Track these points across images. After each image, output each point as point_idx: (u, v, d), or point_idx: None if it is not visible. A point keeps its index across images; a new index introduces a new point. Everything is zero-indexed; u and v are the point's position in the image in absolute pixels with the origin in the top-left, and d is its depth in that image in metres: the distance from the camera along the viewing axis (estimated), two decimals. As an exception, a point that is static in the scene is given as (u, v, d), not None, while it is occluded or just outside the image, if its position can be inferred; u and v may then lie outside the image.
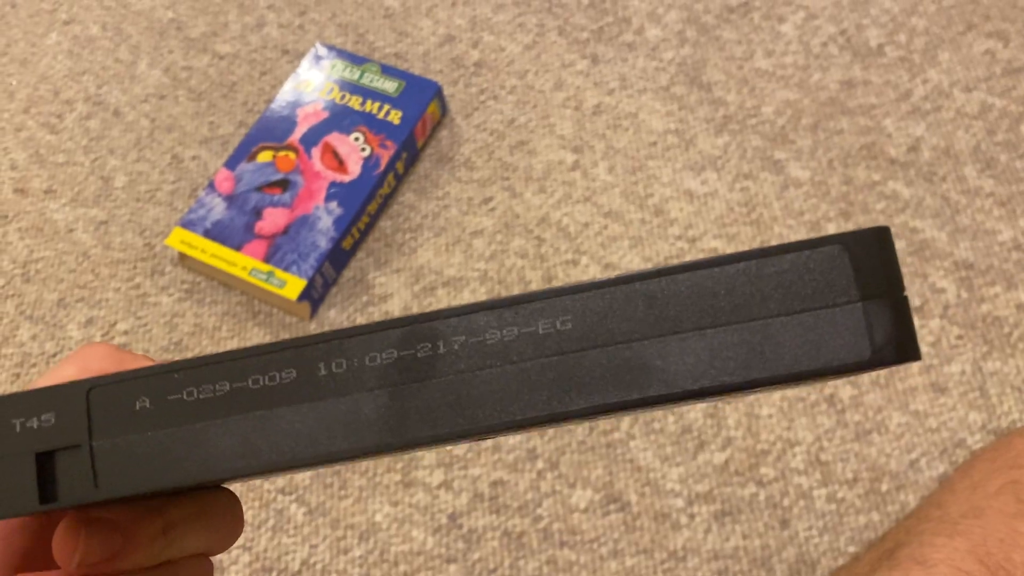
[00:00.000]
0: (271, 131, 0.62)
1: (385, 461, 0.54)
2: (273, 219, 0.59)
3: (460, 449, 0.53)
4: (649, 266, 0.59)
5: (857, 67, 0.65)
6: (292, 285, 0.57)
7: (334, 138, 0.62)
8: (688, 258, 0.58)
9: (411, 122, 0.62)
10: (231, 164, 0.61)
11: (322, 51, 0.66)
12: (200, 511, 0.24)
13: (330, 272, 0.59)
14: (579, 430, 0.54)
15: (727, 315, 0.20)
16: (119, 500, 0.21)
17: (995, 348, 0.53)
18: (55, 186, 0.65)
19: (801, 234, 0.58)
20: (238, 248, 0.58)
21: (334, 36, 0.70)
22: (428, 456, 0.54)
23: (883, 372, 0.53)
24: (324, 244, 0.58)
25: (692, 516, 0.50)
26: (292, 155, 0.61)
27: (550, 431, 0.53)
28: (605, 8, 0.69)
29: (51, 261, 0.62)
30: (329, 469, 0.53)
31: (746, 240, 0.59)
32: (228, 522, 0.25)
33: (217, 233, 0.59)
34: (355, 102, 0.63)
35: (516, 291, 0.58)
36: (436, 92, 0.63)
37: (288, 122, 0.63)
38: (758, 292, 0.20)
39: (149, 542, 0.22)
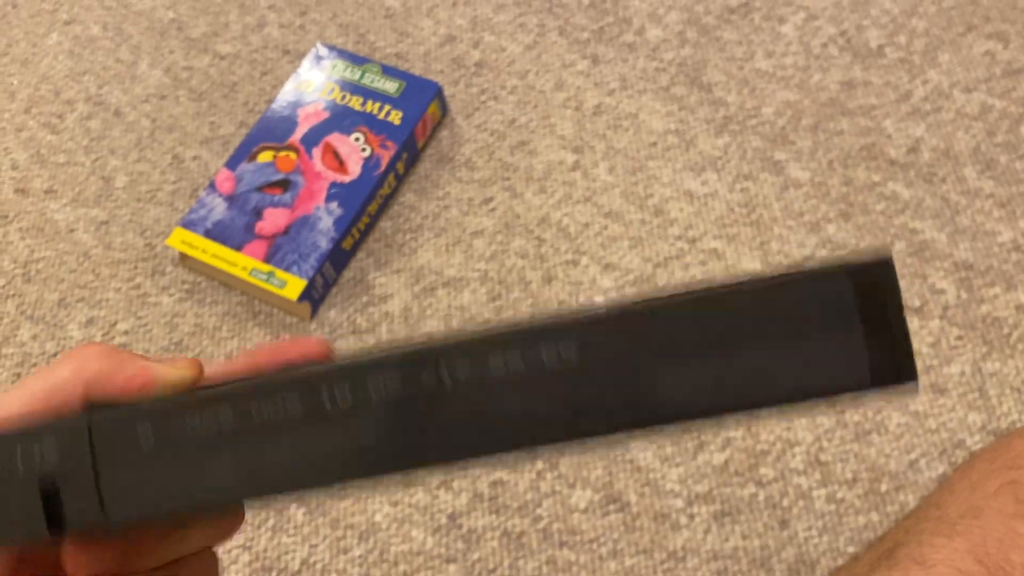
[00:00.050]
0: (272, 131, 0.63)
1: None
2: (274, 219, 0.59)
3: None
4: (649, 271, 0.59)
5: (857, 68, 0.65)
6: (292, 285, 0.57)
7: (335, 138, 0.62)
8: (688, 259, 0.58)
9: (412, 122, 0.62)
10: (232, 164, 0.61)
11: (323, 51, 0.66)
12: None
13: (330, 272, 0.59)
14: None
15: (730, 342, 0.20)
16: (126, 527, 0.21)
17: (994, 349, 0.53)
18: (56, 186, 0.65)
19: (801, 235, 0.58)
20: (238, 248, 0.58)
21: (335, 36, 0.70)
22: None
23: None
24: (324, 244, 0.58)
25: (692, 516, 0.50)
26: (293, 155, 0.61)
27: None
28: (606, 8, 0.69)
29: (52, 261, 0.62)
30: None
31: (746, 240, 0.59)
32: (230, 516, 0.25)
33: (218, 233, 0.59)
34: (356, 102, 0.63)
35: (516, 291, 0.58)
36: (436, 92, 0.63)
37: (289, 122, 0.63)
38: (762, 320, 0.20)
39: (157, 545, 0.23)
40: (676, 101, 0.64)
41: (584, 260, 0.59)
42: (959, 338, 0.54)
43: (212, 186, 0.61)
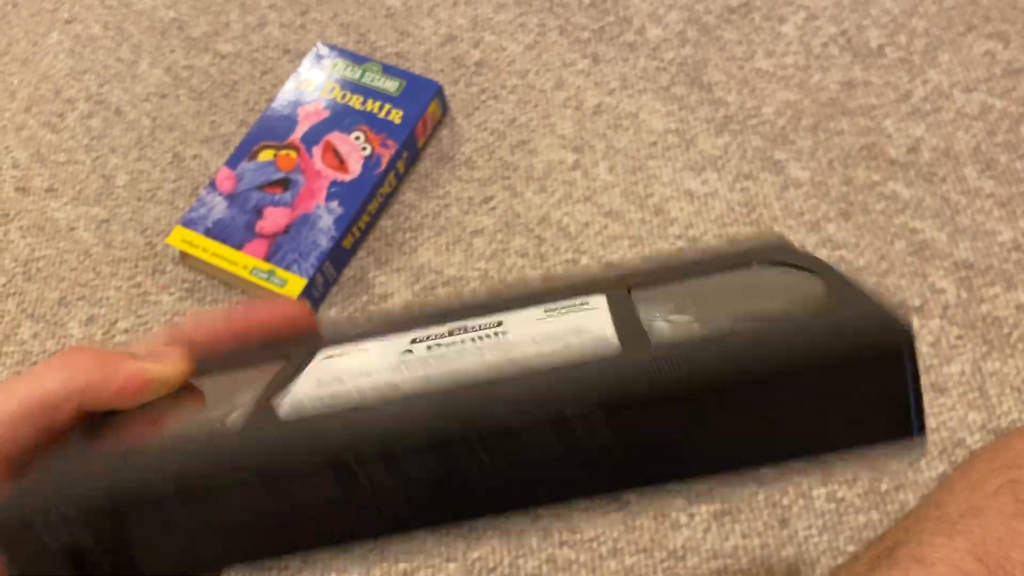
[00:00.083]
0: (272, 130, 0.63)
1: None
2: (274, 218, 0.59)
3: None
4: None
5: (857, 68, 0.65)
6: (293, 284, 0.57)
7: (335, 137, 0.62)
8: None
9: (412, 121, 0.62)
10: (232, 163, 0.61)
11: (323, 50, 0.66)
12: None
13: (331, 271, 0.59)
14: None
15: (761, 422, 0.20)
16: None
17: (995, 348, 0.53)
18: (56, 185, 0.65)
19: (801, 234, 0.58)
20: (239, 247, 0.58)
21: (335, 36, 0.70)
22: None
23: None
24: (325, 243, 0.58)
25: (691, 515, 0.50)
26: (293, 154, 0.61)
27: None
28: (606, 8, 0.69)
29: (52, 259, 0.62)
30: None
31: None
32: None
33: (218, 232, 0.59)
34: (356, 101, 0.63)
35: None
36: (437, 91, 0.63)
37: (289, 121, 0.63)
38: (793, 404, 0.20)
39: None
40: (676, 101, 0.65)
41: (584, 259, 0.59)
42: (959, 337, 0.54)
43: (212, 185, 0.61)
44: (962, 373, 0.53)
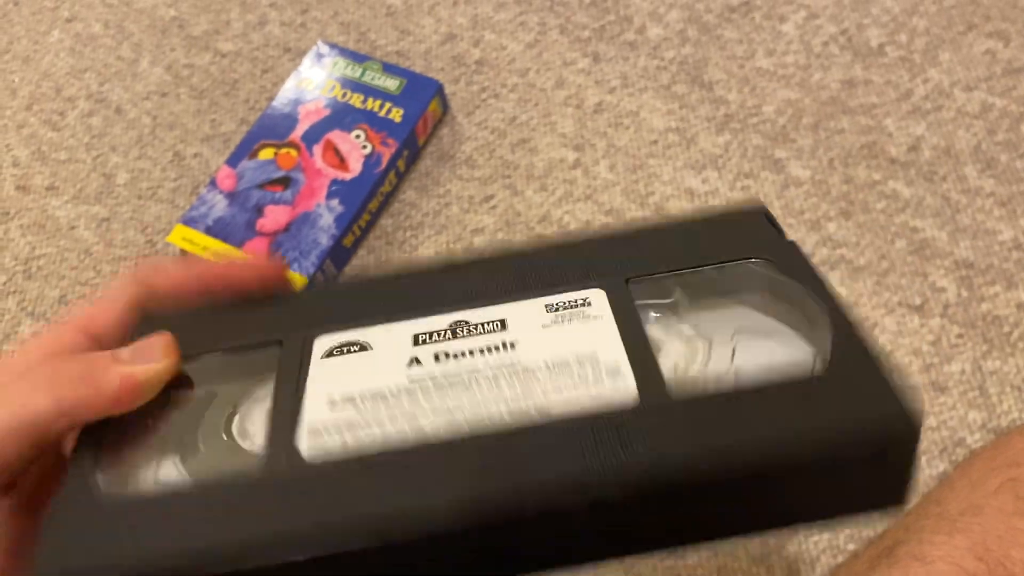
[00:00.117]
0: (273, 129, 0.63)
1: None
2: (274, 216, 0.59)
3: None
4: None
5: (858, 67, 0.65)
6: (293, 282, 0.57)
7: (335, 136, 0.62)
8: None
9: (412, 120, 0.62)
10: (233, 161, 0.61)
11: (324, 49, 0.66)
12: None
13: (331, 270, 0.59)
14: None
15: (774, 508, 0.22)
16: None
17: (995, 347, 0.53)
18: (57, 183, 0.65)
19: (801, 233, 0.58)
20: (240, 245, 0.58)
21: (336, 34, 0.70)
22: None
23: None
24: (325, 241, 0.58)
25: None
26: (294, 152, 0.61)
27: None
28: (607, 7, 0.69)
29: (53, 258, 0.62)
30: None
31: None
32: None
33: (219, 230, 0.59)
34: (356, 100, 0.63)
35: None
36: (437, 90, 0.63)
37: (290, 120, 0.63)
38: (801, 484, 0.22)
39: None
40: (677, 99, 0.65)
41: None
42: (959, 336, 0.54)
43: (213, 183, 0.61)
44: (962, 372, 0.53)
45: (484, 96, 0.66)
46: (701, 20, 0.68)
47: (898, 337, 0.54)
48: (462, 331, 0.26)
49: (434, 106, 0.63)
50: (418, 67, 0.67)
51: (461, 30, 0.69)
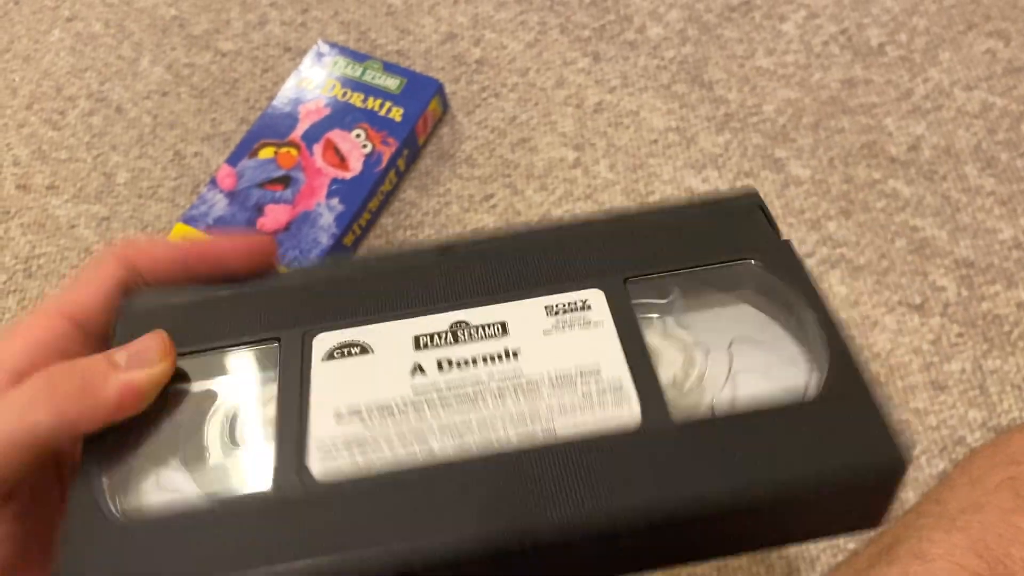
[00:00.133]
0: (273, 128, 0.63)
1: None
2: (275, 215, 0.59)
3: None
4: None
5: (858, 66, 0.65)
6: (293, 281, 0.57)
7: (336, 135, 0.62)
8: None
9: (412, 119, 0.62)
10: (233, 160, 0.61)
11: (324, 48, 0.66)
12: None
13: (331, 268, 0.59)
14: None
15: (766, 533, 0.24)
16: None
17: (995, 346, 0.53)
18: (57, 182, 0.65)
19: (802, 232, 0.58)
20: (240, 244, 0.58)
21: (336, 34, 0.70)
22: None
23: (884, 371, 0.53)
24: (325, 241, 0.58)
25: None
26: (294, 152, 0.61)
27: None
28: (607, 6, 0.69)
29: (53, 257, 0.62)
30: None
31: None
32: None
33: (219, 229, 0.59)
34: (357, 99, 0.63)
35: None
36: (437, 89, 0.63)
37: (290, 119, 0.63)
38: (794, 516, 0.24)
39: None
40: (677, 99, 0.65)
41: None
42: (960, 335, 0.54)
43: (213, 182, 0.61)
44: (962, 371, 0.53)
45: (484, 95, 0.66)
46: (701, 19, 0.68)
47: (898, 336, 0.54)
48: (463, 334, 0.25)
49: (434, 105, 0.63)
50: (418, 66, 0.67)
51: (461, 29, 0.69)
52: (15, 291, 0.61)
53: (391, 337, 0.26)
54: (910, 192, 0.59)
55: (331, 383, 0.25)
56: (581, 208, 0.60)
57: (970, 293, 0.55)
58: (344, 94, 0.63)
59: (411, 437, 0.23)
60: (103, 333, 0.26)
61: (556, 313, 0.26)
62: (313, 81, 0.64)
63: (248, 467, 0.25)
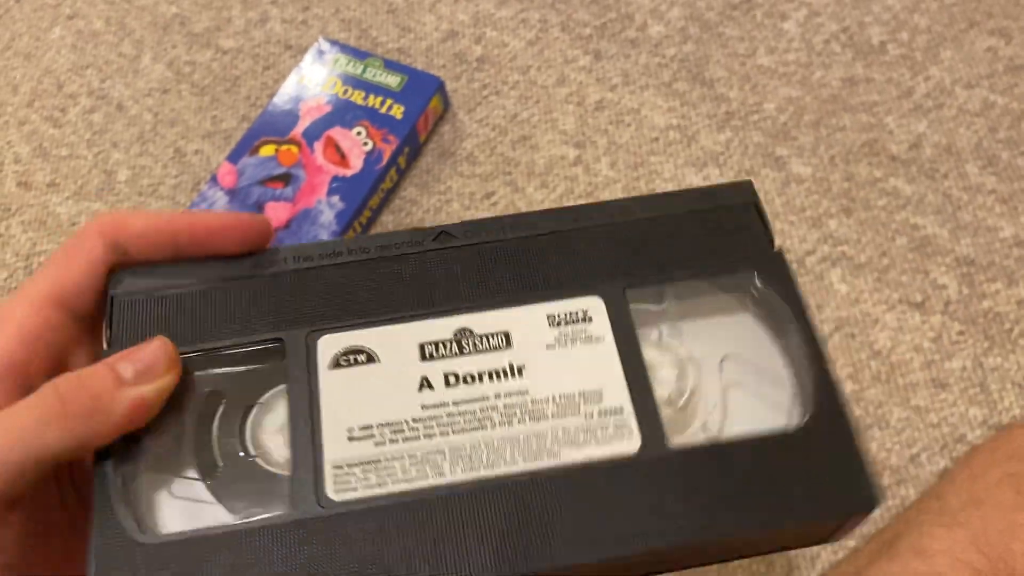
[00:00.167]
0: (274, 125, 0.63)
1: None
2: (275, 213, 0.59)
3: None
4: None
5: (859, 64, 0.65)
6: (294, 278, 0.57)
7: (336, 132, 0.62)
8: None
9: (413, 117, 0.62)
10: (233, 158, 0.61)
11: (325, 46, 0.66)
12: None
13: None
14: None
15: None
16: None
17: (996, 344, 0.53)
18: (58, 179, 0.65)
19: (803, 230, 0.58)
20: (240, 241, 0.58)
21: (337, 31, 0.70)
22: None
23: (884, 369, 0.53)
24: (326, 238, 0.58)
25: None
26: (294, 149, 0.61)
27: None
28: (608, 4, 0.69)
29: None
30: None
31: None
32: None
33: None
34: (358, 97, 0.63)
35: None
36: (438, 87, 0.63)
37: (290, 116, 0.63)
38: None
39: None
40: (678, 97, 0.65)
41: (585, 255, 0.59)
42: (960, 333, 0.54)
43: (214, 180, 0.61)
44: (963, 369, 0.52)
45: (485, 93, 0.66)
46: (702, 18, 0.68)
47: (899, 334, 0.54)
48: (467, 344, 0.26)
49: (435, 103, 0.63)
50: (419, 64, 0.67)
51: (462, 27, 0.69)
52: (16, 288, 0.61)
53: (396, 343, 0.26)
54: (911, 190, 0.59)
55: (340, 396, 0.25)
56: (582, 206, 0.60)
57: (971, 291, 0.55)
58: (345, 92, 0.63)
59: (422, 459, 0.24)
60: (90, 313, 0.26)
61: (558, 324, 0.26)
62: (314, 79, 0.64)
63: (261, 480, 0.25)
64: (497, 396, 0.25)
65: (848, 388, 0.52)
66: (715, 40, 0.67)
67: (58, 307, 0.25)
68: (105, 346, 0.26)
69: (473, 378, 0.25)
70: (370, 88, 0.63)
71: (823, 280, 0.56)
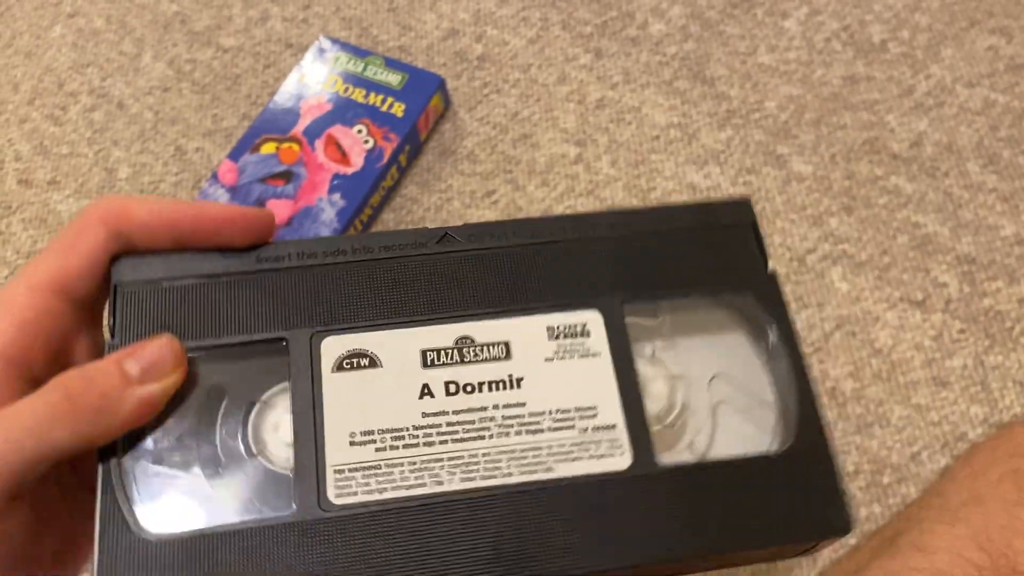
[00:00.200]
0: (274, 123, 0.63)
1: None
2: (276, 210, 0.59)
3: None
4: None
5: (860, 63, 0.65)
6: (295, 276, 0.57)
7: (337, 130, 0.62)
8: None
9: (414, 115, 0.62)
10: (234, 156, 0.61)
11: (326, 44, 0.66)
12: None
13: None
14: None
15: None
16: None
17: (997, 342, 0.53)
18: (59, 177, 0.65)
19: (803, 228, 0.58)
20: (241, 239, 0.58)
21: (338, 30, 0.70)
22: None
23: (885, 367, 0.53)
24: (327, 235, 0.58)
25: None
26: (295, 147, 0.61)
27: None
28: (609, 3, 0.69)
29: (54, 252, 0.62)
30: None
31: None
32: None
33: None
34: (358, 95, 0.63)
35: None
36: (439, 85, 0.63)
37: (291, 114, 0.63)
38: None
39: None
40: (679, 95, 0.64)
41: (586, 253, 0.59)
42: (961, 331, 0.54)
43: (215, 177, 0.61)
44: (964, 367, 0.52)
45: (486, 91, 0.66)
46: (703, 16, 0.68)
47: (900, 332, 0.54)
48: (468, 352, 0.26)
49: (436, 101, 0.63)
50: (420, 62, 0.67)
51: (463, 25, 0.69)
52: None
53: (398, 349, 0.26)
54: (912, 188, 0.59)
55: (343, 399, 0.25)
56: (583, 204, 0.60)
57: (972, 289, 0.55)
58: (346, 90, 0.63)
59: (421, 466, 0.24)
60: (91, 301, 0.26)
61: (557, 337, 0.27)
62: (315, 77, 0.64)
63: (263, 478, 0.25)
64: (496, 407, 0.25)
65: (849, 386, 0.52)
66: (716, 38, 0.67)
67: (58, 294, 0.25)
68: (107, 335, 0.26)
69: (473, 388, 0.26)
70: (371, 86, 0.63)
71: (824, 278, 0.56)
